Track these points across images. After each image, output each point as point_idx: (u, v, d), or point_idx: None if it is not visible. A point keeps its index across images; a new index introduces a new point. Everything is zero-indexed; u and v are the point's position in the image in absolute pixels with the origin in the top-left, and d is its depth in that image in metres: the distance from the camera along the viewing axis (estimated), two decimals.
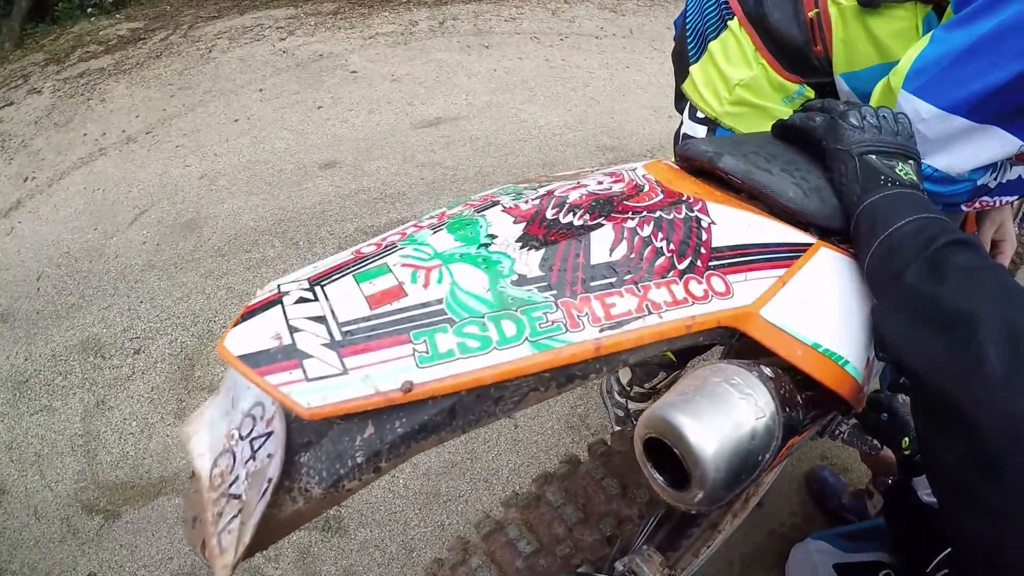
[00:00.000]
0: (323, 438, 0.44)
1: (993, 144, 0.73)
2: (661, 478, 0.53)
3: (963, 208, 0.85)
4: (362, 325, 0.44)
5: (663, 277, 0.55)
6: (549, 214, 0.58)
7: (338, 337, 0.43)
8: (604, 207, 0.59)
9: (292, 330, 0.43)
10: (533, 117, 3.02)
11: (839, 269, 0.67)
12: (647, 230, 0.58)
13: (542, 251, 0.53)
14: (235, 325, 0.44)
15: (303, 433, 0.44)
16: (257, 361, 0.41)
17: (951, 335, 0.54)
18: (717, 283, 0.57)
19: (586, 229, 0.56)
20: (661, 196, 0.63)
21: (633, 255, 0.55)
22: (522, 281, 0.50)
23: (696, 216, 0.61)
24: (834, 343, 0.62)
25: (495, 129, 2.92)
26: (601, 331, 0.50)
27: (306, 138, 2.87)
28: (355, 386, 0.41)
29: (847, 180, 0.71)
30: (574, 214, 0.58)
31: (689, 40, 1.12)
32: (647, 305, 0.53)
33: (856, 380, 0.64)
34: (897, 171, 0.70)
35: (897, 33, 0.86)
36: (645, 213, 0.60)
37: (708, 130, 1.10)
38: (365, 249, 0.54)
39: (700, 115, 1.11)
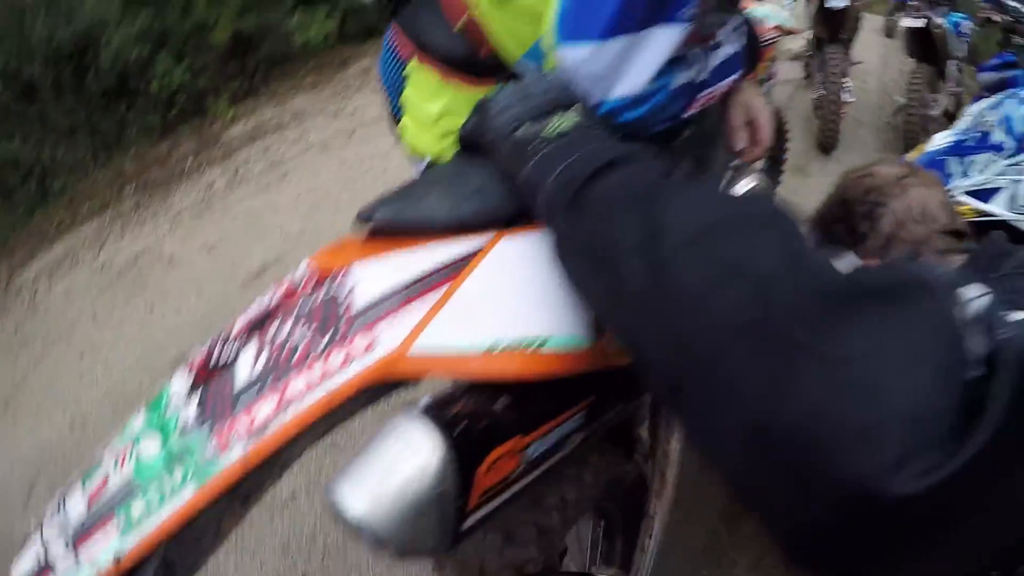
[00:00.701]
0: None
1: (658, 44, 0.73)
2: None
3: (687, 114, 0.84)
4: (85, 521, 0.51)
5: (304, 364, 0.55)
6: (214, 354, 0.58)
7: (70, 537, 0.51)
8: (257, 324, 0.59)
9: (45, 546, 0.52)
10: (346, 224, 3.22)
11: (526, 248, 0.65)
12: (287, 327, 0.58)
13: (199, 393, 0.55)
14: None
15: None
16: None
17: (599, 266, 0.55)
18: (360, 342, 0.56)
19: (236, 354, 0.57)
20: (313, 283, 0.62)
21: (274, 358, 0.55)
22: (185, 429, 0.53)
23: (338, 287, 0.60)
24: (522, 330, 0.60)
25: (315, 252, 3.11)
26: (247, 444, 0.51)
27: (150, 344, 2.95)
28: (85, 570, 0.49)
29: (504, 166, 0.68)
30: (232, 344, 0.58)
31: (392, 99, 1.14)
32: (287, 400, 0.53)
33: (575, 350, 0.62)
34: (548, 130, 0.66)
35: None
36: (290, 310, 0.59)
37: None
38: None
39: (427, 163, 1.12)
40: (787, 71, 4.80)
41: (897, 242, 0.89)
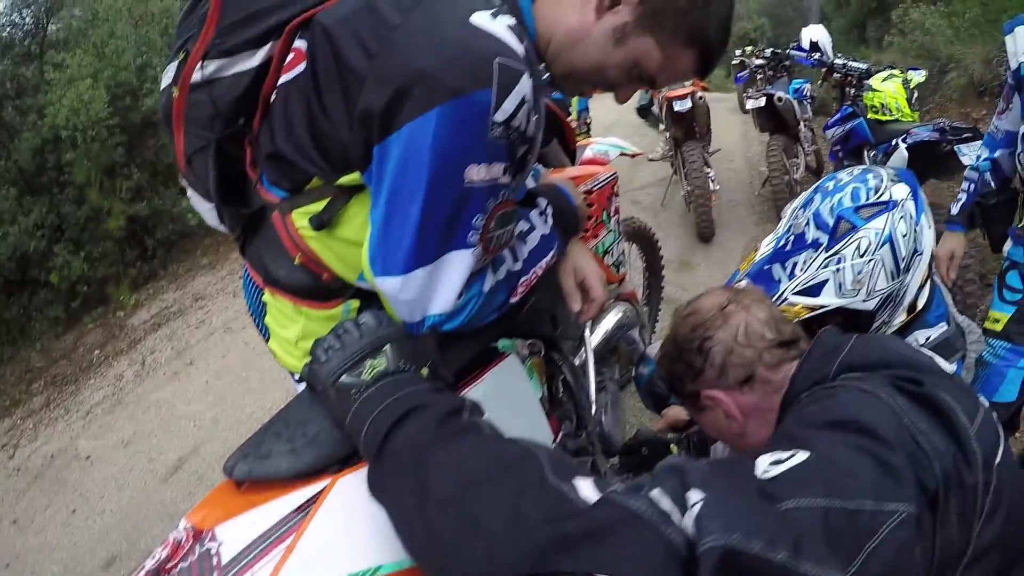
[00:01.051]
0: None
1: (454, 267, 0.82)
2: None
3: (511, 301, 0.95)
4: None
5: None
6: None
7: None
8: None
9: None
10: (259, 404, 3.33)
11: (358, 487, 0.71)
12: None
13: None
14: None
15: None
16: None
17: (396, 516, 0.65)
18: None
19: None
20: (189, 543, 0.65)
21: None
22: None
23: (207, 548, 0.64)
24: (360, 563, 0.65)
25: (234, 437, 3.17)
26: None
27: (77, 549, 2.84)
28: None
29: (333, 413, 0.76)
30: None
31: (257, 323, 1.18)
32: None
33: (407, 572, 0.67)
34: (364, 375, 0.74)
35: (361, 227, 0.88)
36: (175, 567, 0.62)
37: None
38: None
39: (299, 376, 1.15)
40: (657, 171, 5.26)
41: (731, 368, 0.94)
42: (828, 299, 1.14)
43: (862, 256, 1.12)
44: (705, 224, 4.19)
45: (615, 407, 1.59)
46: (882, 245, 1.12)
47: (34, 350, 5.00)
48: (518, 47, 0.76)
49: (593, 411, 1.40)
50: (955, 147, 2.79)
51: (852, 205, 1.15)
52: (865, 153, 3.42)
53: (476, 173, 0.77)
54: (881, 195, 1.15)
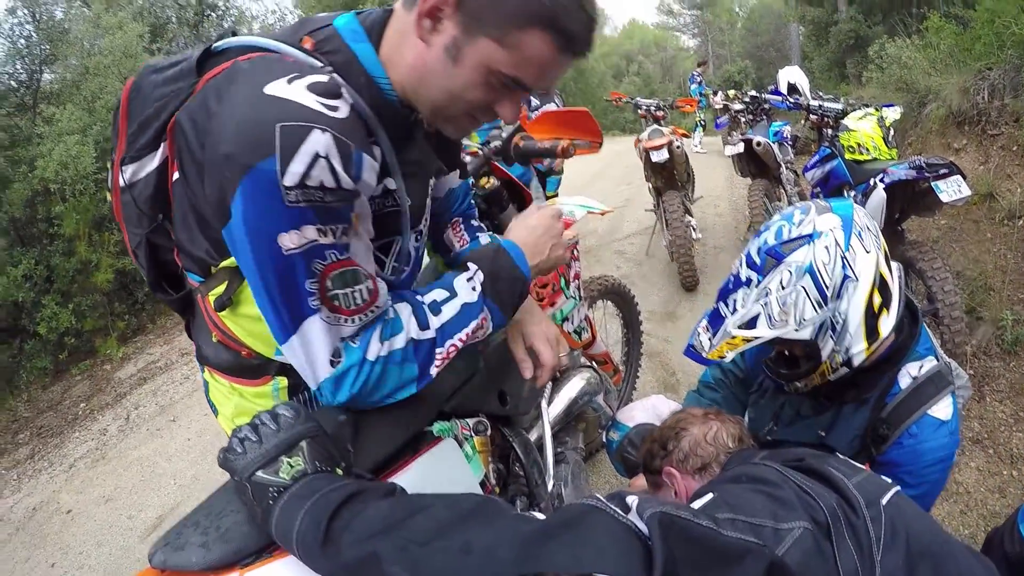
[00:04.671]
0: None
1: (314, 334, 0.83)
2: None
3: (432, 373, 0.93)
4: None
5: None
6: None
7: None
8: None
9: None
10: None
11: None
12: None
13: None
14: None
15: None
16: None
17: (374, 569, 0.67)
18: None
19: None
20: None
21: None
22: None
23: None
24: None
25: None
26: None
27: None
28: None
29: (252, 510, 0.79)
30: None
31: (209, 401, 1.20)
32: None
33: None
34: (281, 474, 0.77)
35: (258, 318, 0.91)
36: None
37: None
38: None
39: None
40: (643, 220, 5.25)
41: (692, 456, 1.17)
42: (762, 331, 1.22)
43: (785, 288, 1.19)
44: (688, 274, 4.16)
45: (577, 478, 1.57)
46: (803, 275, 1.18)
47: (21, 400, 4.97)
48: (321, 103, 0.76)
49: (550, 486, 1.38)
50: (932, 184, 2.80)
51: (776, 242, 1.23)
52: (845, 194, 3.42)
53: (289, 240, 0.77)
54: (804, 228, 1.22)
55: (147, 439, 3.81)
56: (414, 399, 1.09)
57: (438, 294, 0.96)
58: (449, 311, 0.94)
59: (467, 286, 0.98)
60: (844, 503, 0.88)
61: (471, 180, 1.36)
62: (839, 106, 3.77)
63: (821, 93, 4.87)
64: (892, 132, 3.55)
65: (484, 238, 1.30)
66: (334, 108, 0.78)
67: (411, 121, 0.95)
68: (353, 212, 0.82)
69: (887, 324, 1.23)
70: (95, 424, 4.19)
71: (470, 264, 1.01)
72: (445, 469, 1.09)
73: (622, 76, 30.53)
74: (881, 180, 3.06)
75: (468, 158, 1.60)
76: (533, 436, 1.43)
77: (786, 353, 1.34)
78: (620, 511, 0.72)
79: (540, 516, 0.74)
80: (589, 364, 1.74)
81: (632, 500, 0.74)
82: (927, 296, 2.87)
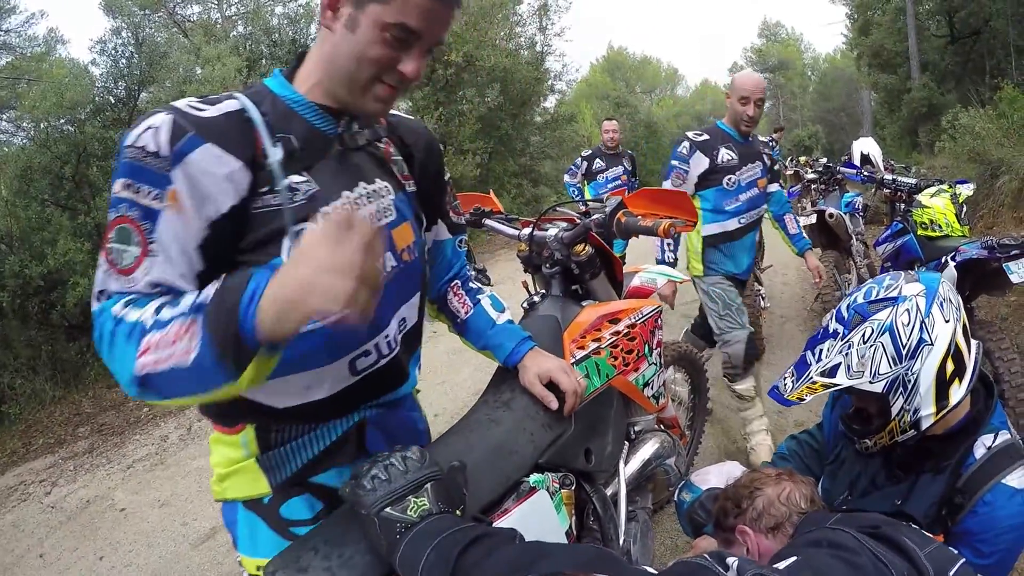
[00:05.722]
0: None
1: (100, 264, 0.92)
2: None
3: (140, 371, 0.83)
4: None
5: None
6: None
7: None
8: None
9: None
10: None
11: None
12: None
13: None
14: None
15: None
16: None
17: None
18: None
19: None
20: None
21: None
22: None
23: None
24: None
25: None
26: None
27: None
28: None
29: (377, 541, 0.86)
30: None
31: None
32: None
33: None
34: (409, 512, 0.86)
35: None
36: None
37: None
38: None
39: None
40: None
41: (766, 515, 1.23)
42: (840, 379, 1.32)
43: (865, 342, 1.29)
44: (756, 342, 4.11)
45: (645, 536, 1.59)
46: (883, 332, 1.28)
47: (86, 396, 5.20)
48: (190, 105, 0.94)
49: (621, 542, 1.42)
50: (1003, 264, 2.79)
51: (865, 301, 1.34)
52: (915, 270, 3.40)
53: (115, 186, 0.91)
54: (890, 291, 1.33)
55: (207, 451, 3.92)
56: (516, 451, 1.16)
57: (179, 300, 0.88)
58: (168, 313, 0.84)
59: (190, 298, 0.86)
60: (915, 573, 0.94)
61: (464, 237, 1.40)
62: (913, 181, 3.75)
63: (893, 162, 4.82)
64: (965, 209, 3.53)
65: (485, 300, 1.40)
66: (200, 109, 0.94)
67: (333, 131, 1.06)
68: (171, 185, 0.89)
69: (957, 393, 1.29)
70: (156, 430, 4.34)
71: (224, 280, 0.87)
72: (539, 518, 1.14)
73: None
74: (953, 259, 3.06)
75: (564, 224, 1.69)
76: (608, 493, 1.47)
77: (861, 410, 1.41)
78: (723, 569, 0.82)
79: (652, 570, 0.83)
80: (661, 428, 1.78)
81: (732, 561, 0.84)
82: (993, 376, 2.83)
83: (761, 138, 3.22)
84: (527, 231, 1.73)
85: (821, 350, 1.37)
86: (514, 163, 13.86)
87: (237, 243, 0.96)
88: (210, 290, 0.84)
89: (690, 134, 3.00)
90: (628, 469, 1.56)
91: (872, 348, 1.28)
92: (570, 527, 1.25)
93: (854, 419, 1.41)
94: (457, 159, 11.85)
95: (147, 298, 0.89)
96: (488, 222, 1.90)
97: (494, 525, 1.02)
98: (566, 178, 6.06)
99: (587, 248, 1.64)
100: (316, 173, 1.02)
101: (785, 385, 1.40)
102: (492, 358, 1.38)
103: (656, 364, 1.61)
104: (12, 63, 14.69)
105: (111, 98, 7.24)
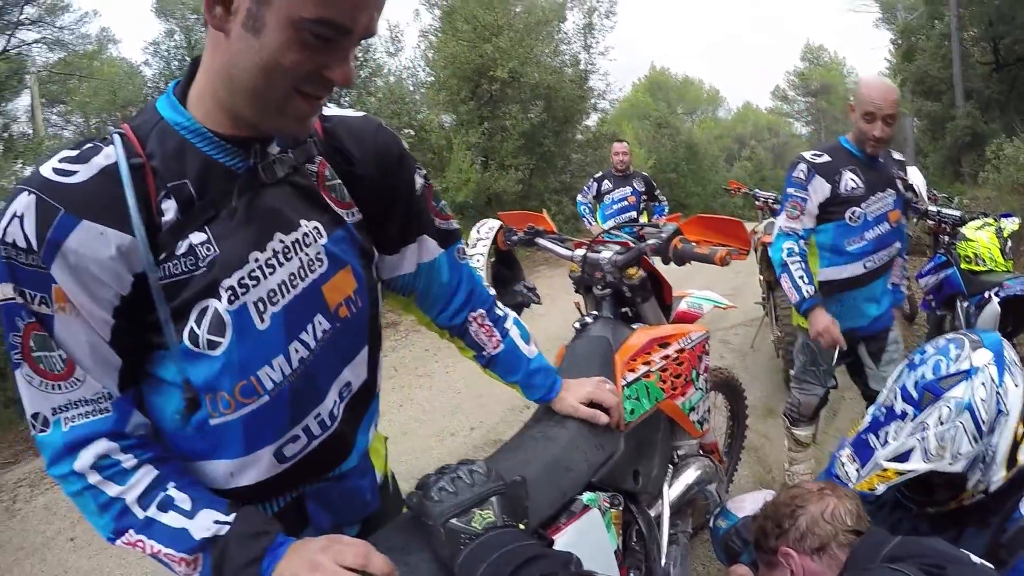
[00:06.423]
0: None
1: (23, 386, 0.81)
2: None
3: (116, 542, 0.83)
4: None
5: None
6: None
7: None
8: None
9: None
10: None
11: None
12: None
13: None
14: None
15: None
16: None
17: None
18: None
19: None
20: None
21: None
22: None
23: None
24: None
25: None
26: None
27: None
28: None
29: (442, 550, 0.88)
30: None
31: None
32: None
33: None
34: (473, 524, 0.87)
35: None
36: None
37: None
38: None
39: None
40: (750, 311, 5.13)
41: (810, 535, 1.17)
42: (916, 464, 1.24)
43: (943, 424, 1.22)
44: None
45: (685, 560, 1.61)
46: (962, 412, 1.21)
47: None
48: (54, 170, 0.76)
49: (663, 562, 1.44)
50: None
51: (934, 377, 1.28)
52: (958, 304, 3.36)
53: (0, 291, 0.77)
54: (961, 364, 1.26)
55: None
56: (571, 469, 1.19)
57: (183, 499, 0.83)
58: (171, 520, 0.82)
59: (206, 524, 0.82)
60: None
61: (461, 245, 1.17)
62: (957, 213, 3.71)
63: (936, 192, 4.74)
64: (1009, 243, 3.49)
65: (514, 331, 1.25)
66: (68, 173, 0.76)
67: (242, 165, 0.85)
68: (54, 283, 0.76)
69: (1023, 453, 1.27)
70: None
71: (231, 516, 0.83)
72: (591, 537, 1.16)
73: (734, 160, 30.27)
74: (996, 294, 3.05)
75: (617, 247, 1.73)
76: (652, 514, 1.49)
77: (923, 480, 1.34)
78: None
79: None
80: (702, 453, 1.79)
81: None
82: None
83: (896, 155, 2.55)
84: (580, 252, 1.76)
85: (887, 433, 1.30)
86: (555, 180, 13.89)
87: (147, 318, 0.81)
88: (216, 525, 0.81)
89: (807, 155, 2.45)
90: (671, 492, 1.58)
91: (952, 429, 1.22)
92: (618, 547, 1.27)
93: (915, 489, 1.35)
94: (499, 174, 11.94)
95: (125, 471, 0.82)
96: (541, 241, 1.93)
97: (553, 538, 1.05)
98: (579, 197, 6.15)
99: (639, 272, 1.67)
100: (218, 227, 0.83)
101: (846, 472, 1.34)
102: (520, 393, 1.29)
103: (702, 390, 1.63)
104: (64, 59, 15.20)
105: None
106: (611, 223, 5.44)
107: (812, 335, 2.37)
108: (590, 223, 5.83)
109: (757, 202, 5.15)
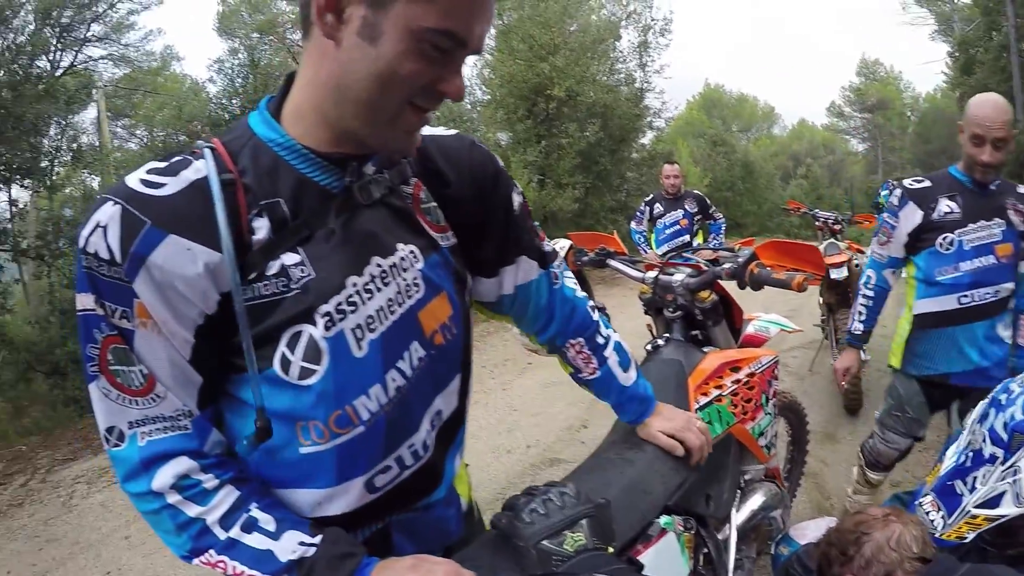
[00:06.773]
0: None
1: (97, 399, 0.79)
2: None
3: (192, 561, 0.82)
4: None
5: None
6: None
7: None
8: None
9: None
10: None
11: None
12: None
13: None
14: None
15: None
16: None
17: None
18: None
19: None
20: None
21: None
22: None
23: None
24: None
25: None
26: None
27: None
28: None
29: (532, 571, 0.87)
30: None
31: None
32: None
33: None
34: (565, 546, 0.87)
35: None
36: None
37: None
38: None
39: None
40: (809, 334, 4.98)
41: (876, 563, 1.16)
42: (1008, 509, 1.21)
43: None
44: (853, 396, 3.96)
45: None
46: None
47: None
48: (142, 181, 0.74)
49: None
50: None
51: None
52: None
53: (79, 300, 0.76)
54: None
55: None
56: (650, 492, 1.21)
57: (267, 520, 0.82)
58: (255, 542, 0.80)
59: (291, 547, 0.80)
60: None
61: (557, 266, 1.14)
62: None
63: None
64: None
65: (612, 359, 1.21)
66: (156, 185, 0.74)
67: (337, 185, 0.83)
68: (136, 299, 0.73)
69: None
70: None
71: (317, 538, 0.82)
72: (667, 560, 1.18)
73: (789, 178, 29.60)
74: None
75: (690, 270, 1.75)
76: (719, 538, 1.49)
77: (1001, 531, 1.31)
78: None
79: None
80: (767, 478, 1.78)
81: None
82: None
83: (1021, 188, 2.21)
84: (652, 274, 1.78)
85: (975, 478, 1.26)
86: (611, 198, 13.82)
87: (231, 340, 0.78)
88: (301, 547, 0.80)
89: (907, 181, 2.29)
90: (739, 517, 1.58)
91: None
92: (691, 571, 1.28)
93: (995, 531, 1.29)
94: (556, 192, 11.91)
95: (206, 492, 0.80)
96: (612, 263, 1.94)
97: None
98: (632, 225, 5.93)
99: (712, 295, 1.68)
100: (313, 249, 0.81)
101: (932, 521, 1.30)
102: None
103: (771, 415, 1.62)
104: (129, 75, 15.95)
105: (225, 114, 7.82)
106: (665, 247, 5.37)
107: (834, 369, 2.49)
108: (645, 251, 5.58)
109: (816, 222, 5.05)
